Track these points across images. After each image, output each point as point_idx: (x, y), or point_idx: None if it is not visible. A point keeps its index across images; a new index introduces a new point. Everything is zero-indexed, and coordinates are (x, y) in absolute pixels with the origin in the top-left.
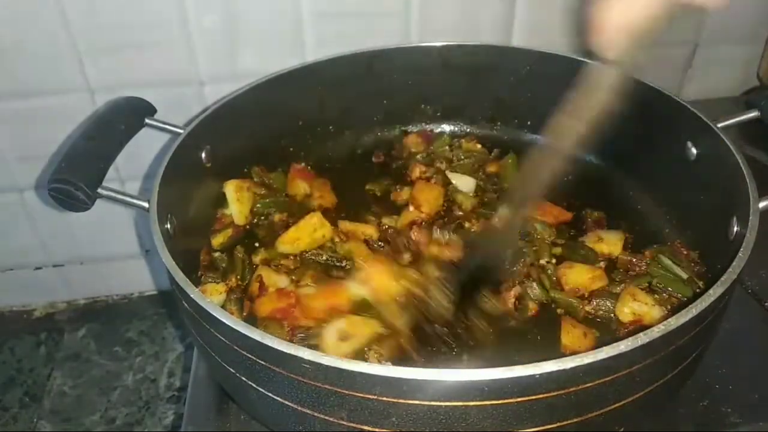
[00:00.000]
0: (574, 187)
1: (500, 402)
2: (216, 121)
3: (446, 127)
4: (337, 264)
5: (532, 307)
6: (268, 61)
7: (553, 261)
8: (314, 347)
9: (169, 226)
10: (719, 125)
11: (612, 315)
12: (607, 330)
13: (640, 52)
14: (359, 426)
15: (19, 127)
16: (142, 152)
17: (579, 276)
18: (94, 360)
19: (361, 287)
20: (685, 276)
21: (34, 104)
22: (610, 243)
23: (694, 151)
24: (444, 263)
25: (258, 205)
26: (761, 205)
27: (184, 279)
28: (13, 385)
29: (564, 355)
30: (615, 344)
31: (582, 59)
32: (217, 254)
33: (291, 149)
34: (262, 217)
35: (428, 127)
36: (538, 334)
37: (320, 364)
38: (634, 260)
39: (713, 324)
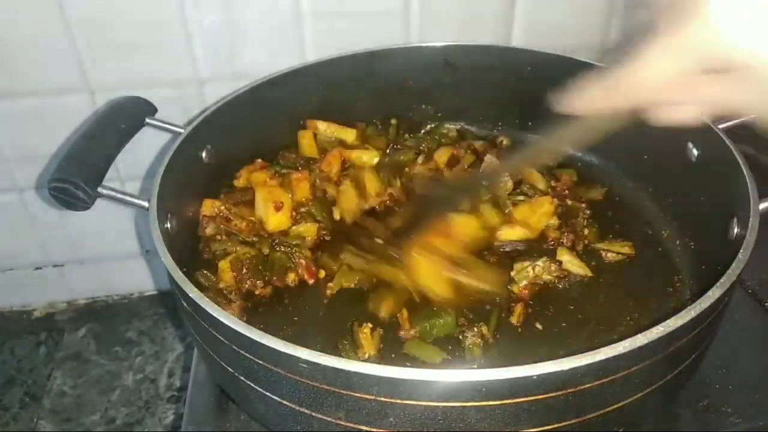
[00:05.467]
0: (572, 187)
1: (498, 403)
2: (216, 121)
3: (448, 127)
4: None
5: None
6: (268, 61)
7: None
8: None
9: (168, 225)
10: (720, 126)
11: None
12: None
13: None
14: (357, 426)
15: (19, 127)
16: (142, 152)
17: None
18: (94, 360)
19: None
20: None
21: (34, 104)
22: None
23: (695, 152)
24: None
25: None
26: (762, 206)
27: (183, 279)
28: (13, 385)
29: None
30: (614, 345)
31: (582, 59)
32: None
33: (291, 149)
34: None
35: (428, 127)
36: None
37: (317, 364)
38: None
39: (713, 325)
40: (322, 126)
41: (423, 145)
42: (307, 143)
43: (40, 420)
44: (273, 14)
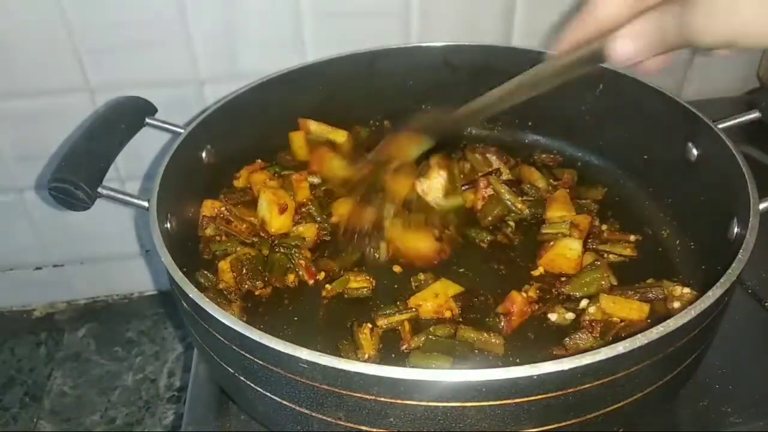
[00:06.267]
0: (574, 187)
1: (498, 403)
2: (216, 121)
3: None
4: None
5: None
6: (268, 61)
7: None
8: None
9: (168, 225)
10: (720, 126)
11: None
12: None
13: None
14: (357, 426)
15: (19, 127)
16: (142, 152)
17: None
18: (94, 360)
19: None
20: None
21: (34, 104)
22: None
23: (694, 152)
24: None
25: None
26: (762, 206)
27: (183, 279)
28: (13, 385)
29: None
30: (613, 345)
31: None
32: None
33: (288, 150)
34: None
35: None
36: None
37: (317, 364)
38: None
39: (713, 325)
40: (314, 126)
41: None
42: (297, 144)
43: (40, 420)
44: (273, 14)
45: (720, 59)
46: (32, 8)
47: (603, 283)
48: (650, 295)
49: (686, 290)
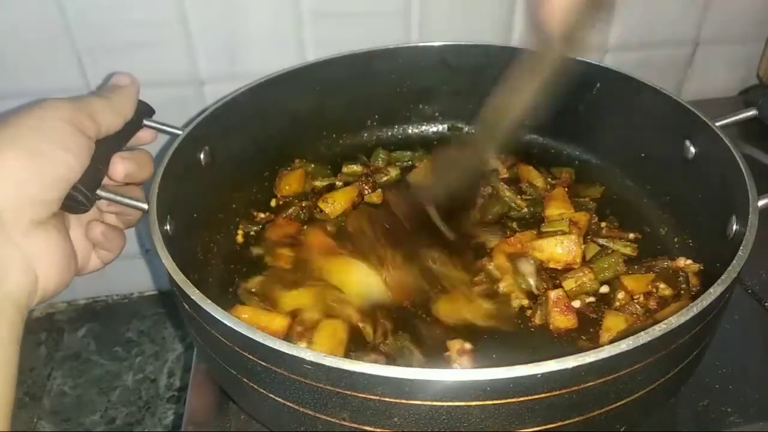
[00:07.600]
0: (572, 185)
1: (502, 402)
2: (215, 121)
3: (446, 128)
4: None
5: None
6: (268, 61)
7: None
8: None
9: (168, 227)
10: (717, 124)
11: None
12: None
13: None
14: (361, 426)
15: None
16: None
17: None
18: (94, 360)
19: None
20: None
21: None
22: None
23: (692, 150)
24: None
25: None
26: (760, 203)
27: (184, 280)
28: None
29: None
30: (617, 343)
31: (580, 59)
32: None
33: (290, 149)
34: None
35: (427, 127)
36: None
37: (322, 365)
38: None
39: (714, 322)
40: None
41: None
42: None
43: (40, 420)
44: (273, 14)
45: (720, 58)
46: (32, 8)
47: (618, 268)
48: (657, 269)
49: (689, 261)
